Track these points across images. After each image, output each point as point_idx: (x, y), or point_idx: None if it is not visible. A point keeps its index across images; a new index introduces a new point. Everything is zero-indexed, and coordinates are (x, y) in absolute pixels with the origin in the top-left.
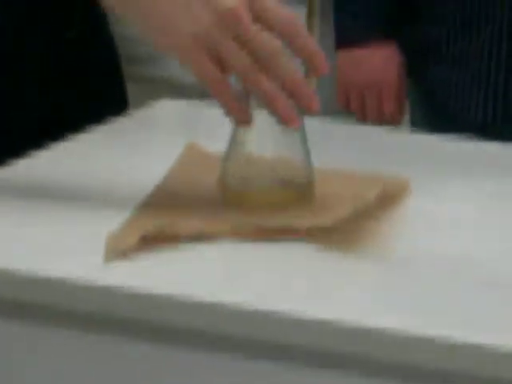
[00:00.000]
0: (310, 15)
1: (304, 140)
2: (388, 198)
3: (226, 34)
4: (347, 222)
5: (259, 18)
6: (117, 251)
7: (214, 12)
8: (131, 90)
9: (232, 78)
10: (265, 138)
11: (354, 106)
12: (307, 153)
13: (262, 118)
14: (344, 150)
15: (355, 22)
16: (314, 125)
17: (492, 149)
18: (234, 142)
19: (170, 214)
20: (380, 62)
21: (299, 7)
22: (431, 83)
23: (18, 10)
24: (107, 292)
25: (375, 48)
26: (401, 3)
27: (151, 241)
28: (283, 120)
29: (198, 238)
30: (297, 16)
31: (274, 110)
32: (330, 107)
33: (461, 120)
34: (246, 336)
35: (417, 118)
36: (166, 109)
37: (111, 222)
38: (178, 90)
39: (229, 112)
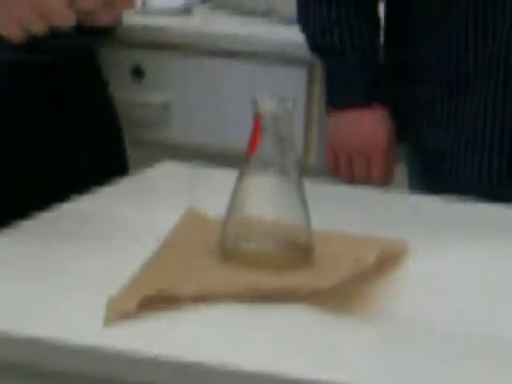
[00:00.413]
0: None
1: (303, 202)
2: (386, 260)
3: None
4: (346, 285)
5: None
6: (117, 314)
7: None
8: (132, 153)
9: None
10: (264, 201)
11: (343, 170)
12: (307, 215)
13: (261, 181)
14: (342, 212)
15: (345, 86)
16: (312, 186)
17: (489, 210)
18: (233, 204)
19: (171, 276)
20: (369, 125)
21: (300, 70)
22: (425, 145)
23: (19, 76)
24: (107, 355)
25: (364, 112)
26: (392, 64)
27: (152, 303)
28: None
29: (198, 300)
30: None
31: None
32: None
33: (457, 181)
34: None
35: (414, 181)
36: (167, 171)
37: (112, 284)
38: (180, 154)
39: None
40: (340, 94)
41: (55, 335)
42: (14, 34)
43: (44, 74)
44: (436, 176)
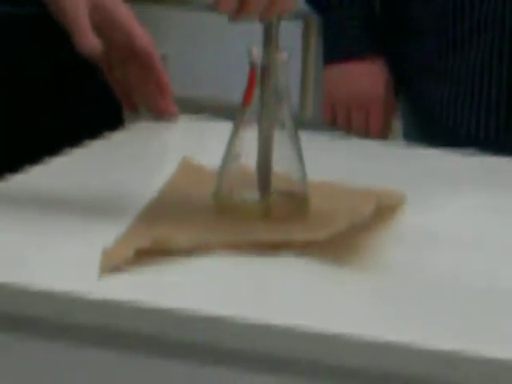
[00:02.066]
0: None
1: (299, 153)
2: (383, 211)
3: None
4: (342, 236)
5: None
6: (112, 265)
7: None
8: None
9: None
10: None
11: (340, 122)
12: (302, 167)
13: (256, 132)
14: (339, 163)
15: (343, 38)
16: (308, 137)
17: (488, 162)
18: (228, 155)
19: (165, 227)
20: (367, 78)
21: (296, 22)
22: (422, 99)
23: (13, 28)
24: (102, 305)
25: (362, 64)
26: (388, 19)
27: (146, 254)
28: None
29: (193, 251)
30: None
31: None
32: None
33: (454, 135)
34: (242, 349)
35: (409, 132)
36: (162, 123)
37: (107, 235)
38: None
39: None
40: (337, 46)
41: (48, 286)
42: None
43: (39, 29)
44: (432, 131)
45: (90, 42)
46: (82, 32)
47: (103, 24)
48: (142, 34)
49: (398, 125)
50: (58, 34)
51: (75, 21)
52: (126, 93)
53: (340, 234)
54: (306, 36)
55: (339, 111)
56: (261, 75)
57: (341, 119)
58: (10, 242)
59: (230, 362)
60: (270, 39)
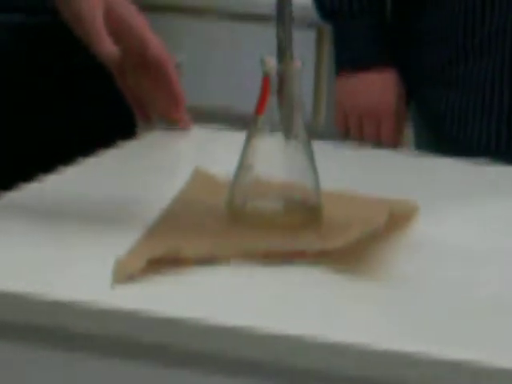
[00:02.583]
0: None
1: (312, 163)
2: (396, 221)
3: None
4: (355, 246)
5: None
6: (125, 274)
7: None
8: None
9: None
10: (273, 162)
11: (353, 131)
12: (315, 175)
13: (270, 141)
14: (351, 172)
15: (354, 49)
16: (321, 147)
17: (500, 172)
18: (242, 165)
19: (179, 237)
20: (379, 88)
21: (308, 31)
22: (433, 108)
23: (27, 37)
24: (114, 315)
25: (374, 74)
26: (399, 27)
27: (160, 264)
28: None
29: (206, 260)
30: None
31: None
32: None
33: (465, 145)
34: (256, 359)
35: (421, 142)
36: (175, 132)
37: (120, 245)
38: (191, 116)
39: None
40: (350, 56)
41: (63, 296)
42: None
43: (52, 36)
44: (444, 140)
45: (107, 47)
46: (99, 37)
47: (117, 31)
48: (155, 42)
49: (409, 134)
50: (70, 42)
51: (92, 27)
52: (138, 101)
53: (353, 244)
54: (319, 45)
55: (351, 121)
56: (277, 84)
57: (353, 129)
58: (24, 252)
59: (244, 371)
60: (284, 48)
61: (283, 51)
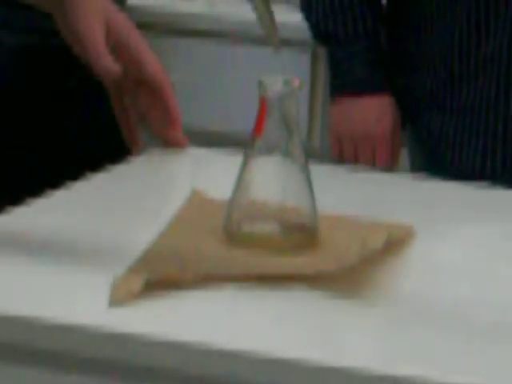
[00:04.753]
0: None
1: (309, 185)
2: (392, 244)
3: None
4: (353, 268)
5: None
6: (122, 296)
7: None
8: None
9: None
10: (270, 183)
11: (347, 157)
12: (312, 198)
13: (267, 164)
14: (348, 195)
15: (349, 74)
16: (317, 169)
17: (495, 194)
18: (238, 186)
19: (175, 259)
20: (374, 113)
21: (303, 55)
22: (428, 132)
23: (20, 61)
24: (111, 338)
25: (369, 100)
26: (394, 52)
27: (156, 286)
28: None
29: (203, 283)
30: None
31: None
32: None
33: (459, 170)
34: (248, 381)
35: (416, 165)
36: (170, 153)
37: (115, 267)
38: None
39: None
40: (344, 81)
41: (59, 315)
42: None
43: (45, 59)
44: (438, 164)
45: (107, 63)
46: (99, 54)
47: (116, 50)
48: (153, 62)
49: (404, 157)
50: (66, 63)
51: (92, 44)
52: (129, 124)
53: (350, 267)
54: (313, 68)
55: (346, 146)
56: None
57: (347, 154)
58: (15, 275)
59: None
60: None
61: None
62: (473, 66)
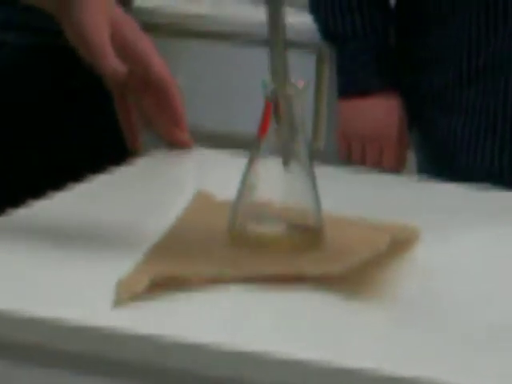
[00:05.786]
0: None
1: (313, 186)
2: (397, 245)
3: None
4: (357, 270)
5: None
6: (127, 295)
7: None
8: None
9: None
10: (274, 184)
11: (355, 157)
12: (317, 199)
13: (271, 165)
14: (353, 196)
15: (357, 73)
16: (322, 170)
17: (501, 197)
18: (243, 187)
19: (180, 259)
20: (382, 113)
21: (309, 55)
22: (436, 131)
23: (21, 60)
24: (115, 338)
25: (377, 99)
26: (403, 49)
27: (160, 286)
28: None
29: (207, 283)
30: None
31: None
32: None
33: (467, 170)
34: (254, 381)
35: (423, 166)
36: (174, 156)
37: (119, 267)
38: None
39: None
40: (352, 81)
41: (63, 315)
42: None
43: (48, 58)
44: (446, 164)
45: (113, 64)
46: (104, 54)
47: (121, 51)
48: (159, 63)
49: (411, 158)
50: (69, 63)
51: (98, 44)
52: (131, 126)
53: (355, 268)
54: (319, 68)
55: (354, 146)
56: (274, 108)
57: (355, 154)
58: (20, 273)
59: None
60: (276, 71)
61: (277, 73)
62: (481, 65)
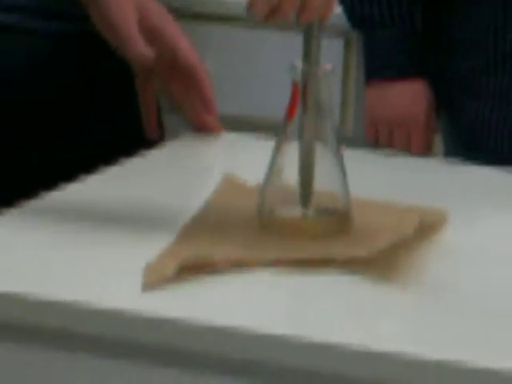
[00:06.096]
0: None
1: (342, 169)
2: (426, 228)
3: None
4: (385, 253)
5: None
6: (155, 278)
7: None
8: (169, 120)
9: None
10: None
11: (383, 141)
12: (345, 183)
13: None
14: (381, 179)
15: (385, 58)
16: (350, 153)
17: None
18: (271, 171)
19: (209, 242)
20: (409, 98)
21: (336, 40)
22: (463, 117)
23: (48, 49)
24: (143, 322)
25: (404, 83)
26: (430, 36)
27: (189, 270)
28: None
29: (235, 267)
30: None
31: None
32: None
33: (494, 155)
34: (284, 365)
35: (451, 150)
36: (202, 140)
37: (149, 250)
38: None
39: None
40: (379, 65)
41: (92, 299)
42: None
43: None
44: (473, 148)
45: (141, 48)
46: (132, 40)
47: (149, 36)
48: (186, 47)
49: (438, 142)
50: (95, 51)
51: (125, 29)
52: (152, 111)
53: (382, 252)
54: (346, 54)
55: (381, 130)
56: (302, 91)
57: (383, 138)
58: (51, 255)
59: (271, 380)
60: (309, 54)
61: (309, 56)
62: (508, 51)
